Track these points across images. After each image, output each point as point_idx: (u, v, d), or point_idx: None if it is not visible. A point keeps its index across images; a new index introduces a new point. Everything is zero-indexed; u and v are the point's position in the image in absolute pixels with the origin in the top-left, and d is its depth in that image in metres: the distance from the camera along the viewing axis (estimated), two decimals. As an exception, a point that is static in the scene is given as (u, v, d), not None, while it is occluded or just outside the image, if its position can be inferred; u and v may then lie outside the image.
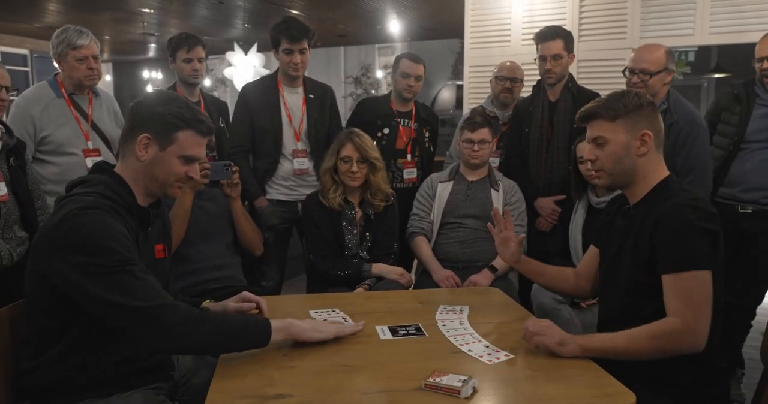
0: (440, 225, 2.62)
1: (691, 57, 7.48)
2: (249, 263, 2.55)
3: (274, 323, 1.40)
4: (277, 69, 2.74)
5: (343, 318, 1.68)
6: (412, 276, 2.66)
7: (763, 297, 2.58)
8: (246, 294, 1.69)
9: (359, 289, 2.25)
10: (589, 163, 1.62)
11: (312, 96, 2.73)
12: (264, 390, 1.22)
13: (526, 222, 2.64)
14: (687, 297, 1.38)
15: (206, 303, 1.68)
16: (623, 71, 2.49)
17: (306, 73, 2.76)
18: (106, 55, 11.98)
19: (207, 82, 10.36)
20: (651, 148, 1.53)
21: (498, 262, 2.45)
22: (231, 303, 1.66)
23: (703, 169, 2.36)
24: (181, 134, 1.42)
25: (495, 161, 2.94)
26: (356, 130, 2.45)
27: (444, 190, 2.65)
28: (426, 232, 2.63)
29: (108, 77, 12.71)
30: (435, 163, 3.17)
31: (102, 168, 1.46)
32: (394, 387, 1.24)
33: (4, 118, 2.28)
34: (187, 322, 1.29)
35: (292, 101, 2.70)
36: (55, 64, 2.56)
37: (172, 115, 1.41)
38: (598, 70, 4.09)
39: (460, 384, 1.20)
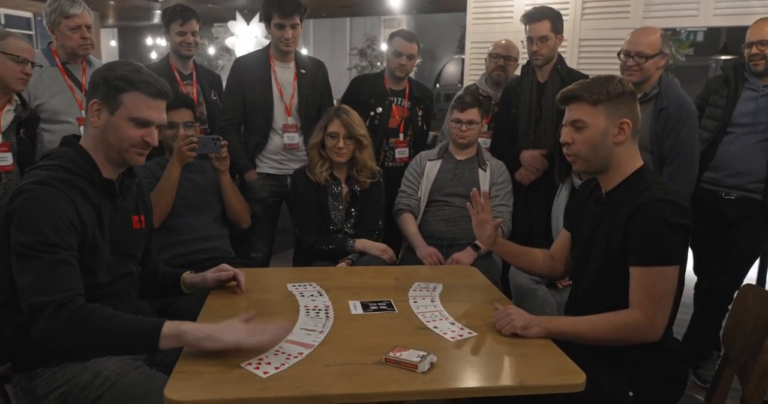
0: (427, 203, 2.66)
1: (700, 37, 7.37)
2: (239, 235, 2.60)
3: (168, 330, 1.27)
4: (270, 43, 2.74)
5: (319, 292, 1.73)
6: (400, 252, 2.71)
7: (741, 281, 2.62)
8: (224, 265, 1.73)
9: (342, 264, 2.30)
10: (566, 145, 1.60)
11: (303, 71, 2.74)
12: (231, 359, 1.27)
13: (512, 202, 2.67)
14: (650, 292, 1.42)
15: (187, 275, 1.73)
16: (618, 54, 2.48)
17: (311, 44, 2.76)
18: (111, 21, 11.90)
19: (211, 51, 10.30)
20: (628, 137, 1.54)
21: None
22: (209, 273, 1.71)
23: (690, 154, 2.37)
24: (126, 96, 1.43)
25: (486, 142, 2.96)
26: (344, 106, 2.47)
27: (432, 168, 2.68)
28: (413, 209, 2.66)
29: (113, 43, 12.65)
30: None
31: (68, 140, 1.49)
32: (356, 361, 1.30)
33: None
34: (65, 324, 1.25)
35: (284, 76, 2.71)
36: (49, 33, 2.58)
37: (116, 77, 1.42)
38: (600, 49, 4.07)
39: (418, 359, 1.25)
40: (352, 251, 2.36)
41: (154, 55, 12.07)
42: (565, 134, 1.58)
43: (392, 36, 2.88)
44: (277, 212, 2.84)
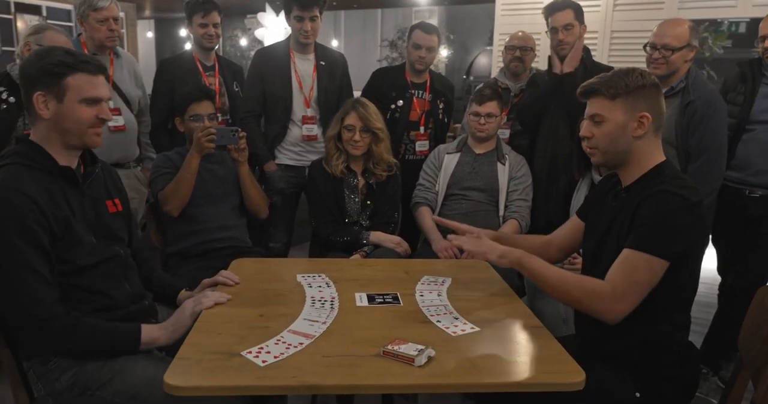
0: (444, 197, 2.65)
1: (742, 29, 7.09)
2: (258, 224, 2.63)
3: (144, 345, 1.45)
4: (290, 35, 2.76)
5: (327, 283, 1.75)
6: (418, 245, 2.71)
7: (766, 281, 2.54)
8: (206, 281, 1.74)
9: (356, 256, 2.31)
10: (585, 139, 1.60)
11: (323, 63, 2.75)
12: (233, 348, 1.30)
13: (531, 197, 2.64)
14: (629, 274, 1.41)
15: (183, 294, 1.77)
16: (644, 47, 2.43)
17: (342, 36, 2.79)
18: (147, 13, 12.12)
19: (243, 42, 10.40)
20: (648, 131, 1.50)
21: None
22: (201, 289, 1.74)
23: (717, 151, 2.30)
24: (70, 79, 1.42)
25: (505, 133, 2.94)
26: (362, 99, 2.47)
27: (450, 161, 2.67)
28: (430, 203, 2.65)
29: (150, 34, 12.89)
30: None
31: (19, 138, 1.51)
32: (355, 352, 1.30)
33: None
34: (49, 344, 1.39)
35: (303, 68, 2.73)
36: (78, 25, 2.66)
37: (54, 64, 1.42)
38: (633, 41, 3.96)
39: (415, 352, 1.25)
40: (367, 243, 2.37)
41: (188, 46, 12.26)
42: (584, 128, 1.58)
43: (412, 29, 2.87)
44: (295, 203, 2.87)
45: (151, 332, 1.47)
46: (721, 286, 2.65)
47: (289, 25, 2.69)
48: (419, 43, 2.80)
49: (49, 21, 8.98)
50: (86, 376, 1.44)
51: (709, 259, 2.55)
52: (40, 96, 1.43)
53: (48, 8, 9.15)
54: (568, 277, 1.50)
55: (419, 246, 2.69)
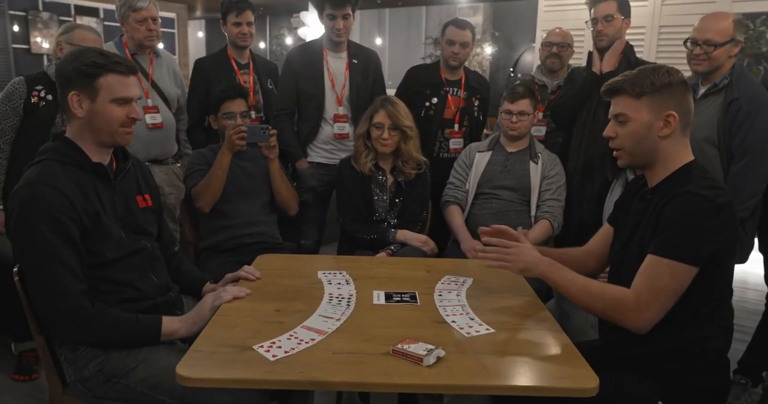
0: (475, 196, 2.61)
1: (806, 22, 6.69)
2: (290, 221, 2.66)
3: (164, 336, 1.50)
4: (323, 34, 2.78)
5: (346, 281, 1.75)
6: (448, 244, 2.69)
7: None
8: (228, 276, 1.78)
9: (381, 254, 2.31)
10: (610, 140, 1.55)
11: (355, 61, 2.76)
12: (246, 341, 1.32)
13: (564, 197, 2.58)
14: (653, 282, 1.36)
15: (208, 287, 1.81)
16: (684, 42, 2.34)
17: (386, 34, 2.79)
18: (199, 13, 12.42)
19: (289, 41, 10.53)
20: (675, 130, 1.45)
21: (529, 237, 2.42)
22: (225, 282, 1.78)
23: (762, 151, 2.19)
24: (102, 80, 1.48)
25: (541, 130, 2.87)
26: (391, 97, 2.47)
27: (482, 159, 2.63)
28: (460, 202, 2.63)
29: (200, 34, 13.21)
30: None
31: (56, 136, 1.57)
32: (365, 350, 1.30)
33: None
34: (74, 333, 1.44)
35: (336, 66, 2.74)
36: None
37: (87, 65, 1.47)
38: (682, 37, 3.78)
39: (425, 352, 1.24)
40: (393, 241, 2.37)
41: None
42: (609, 128, 1.54)
43: (446, 25, 2.85)
44: (327, 201, 2.88)
45: (171, 324, 1.51)
46: (768, 295, 2.52)
47: (322, 24, 2.71)
48: (453, 39, 2.78)
49: (105, 22, 9.35)
50: (112, 364, 1.49)
51: (760, 265, 2.43)
52: (75, 95, 1.50)
53: (105, 10, 9.53)
54: (592, 288, 1.45)
55: (449, 246, 2.67)
